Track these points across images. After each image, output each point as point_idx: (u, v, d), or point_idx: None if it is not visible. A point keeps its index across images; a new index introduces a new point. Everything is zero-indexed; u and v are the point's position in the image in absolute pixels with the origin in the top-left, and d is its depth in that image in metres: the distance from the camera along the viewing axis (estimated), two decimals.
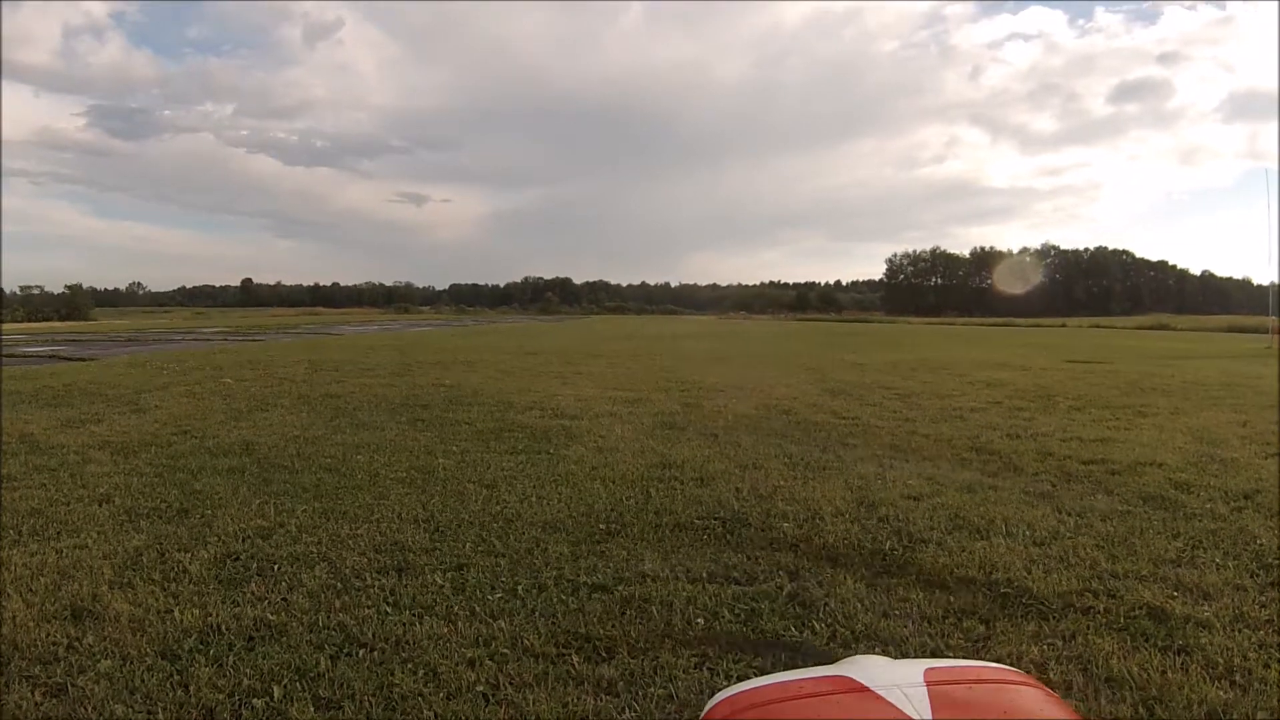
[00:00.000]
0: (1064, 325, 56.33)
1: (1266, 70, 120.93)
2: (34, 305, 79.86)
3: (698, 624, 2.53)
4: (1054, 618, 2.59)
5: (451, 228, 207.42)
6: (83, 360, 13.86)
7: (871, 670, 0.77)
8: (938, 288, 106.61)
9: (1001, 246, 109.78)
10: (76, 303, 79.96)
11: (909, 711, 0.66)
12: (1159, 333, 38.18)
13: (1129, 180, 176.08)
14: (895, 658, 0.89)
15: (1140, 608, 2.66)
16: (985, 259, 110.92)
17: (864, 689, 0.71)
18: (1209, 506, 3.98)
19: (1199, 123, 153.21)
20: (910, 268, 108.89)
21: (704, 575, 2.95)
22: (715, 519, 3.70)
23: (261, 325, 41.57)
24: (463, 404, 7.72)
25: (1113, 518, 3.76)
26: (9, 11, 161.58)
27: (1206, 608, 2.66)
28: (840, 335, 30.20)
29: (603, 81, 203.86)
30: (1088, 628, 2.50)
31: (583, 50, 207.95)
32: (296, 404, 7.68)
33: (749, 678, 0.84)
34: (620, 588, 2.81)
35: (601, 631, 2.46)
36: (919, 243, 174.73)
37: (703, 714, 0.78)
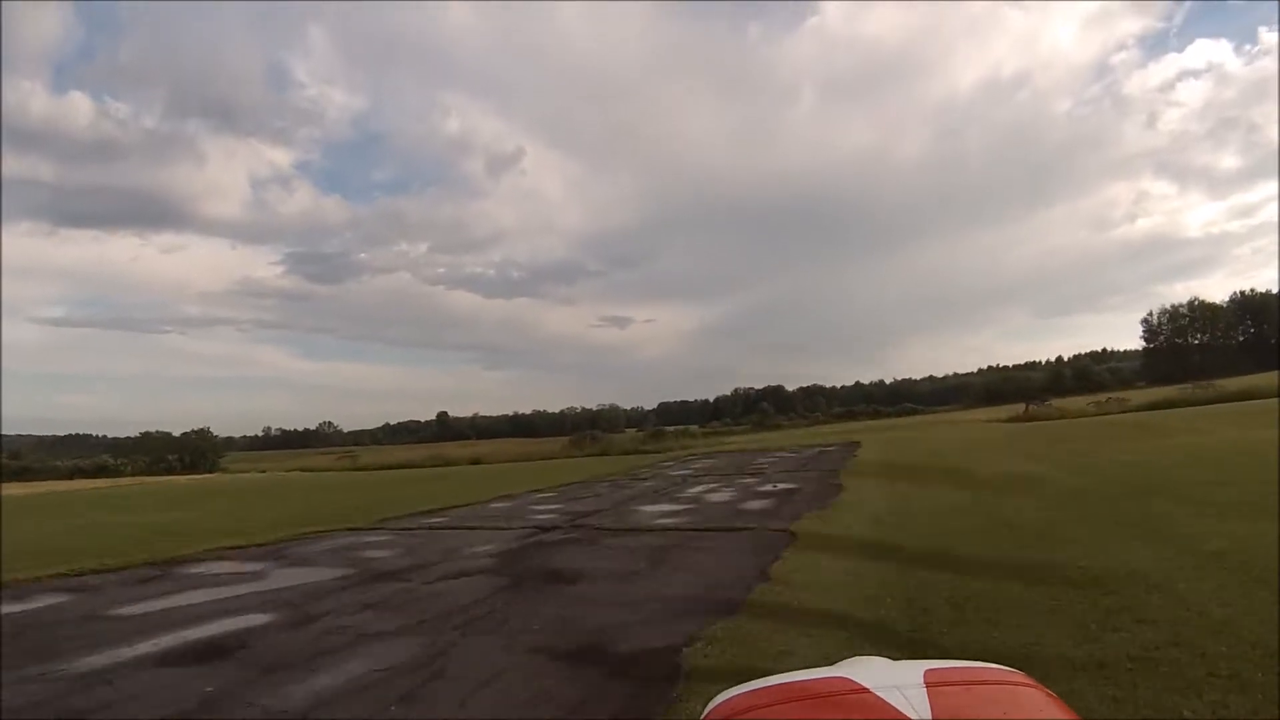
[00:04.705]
0: None
1: None
2: (155, 451, 59.73)
3: None
4: None
5: (657, 345, 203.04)
6: None
7: (871, 671, 0.78)
8: (1201, 346, 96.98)
9: (1209, 298, 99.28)
10: (202, 448, 61.68)
11: (909, 712, 0.67)
12: None
13: None
14: (895, 659, 0.88)
15: None
16: (1248, 305, 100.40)
17: (864, 690, 0.73)
18: None
19: None
20: (1169, 326, 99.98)
21: None
22: None
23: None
24: None
25: None
26: (196, 166, 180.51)
27: None
28: None
29: (785, 174, 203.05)
30: None
31: (759, 145, 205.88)
32: None
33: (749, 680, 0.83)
34: None
35: None
36: (1121, 309, 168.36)
37: (703, 715, 0.78)
